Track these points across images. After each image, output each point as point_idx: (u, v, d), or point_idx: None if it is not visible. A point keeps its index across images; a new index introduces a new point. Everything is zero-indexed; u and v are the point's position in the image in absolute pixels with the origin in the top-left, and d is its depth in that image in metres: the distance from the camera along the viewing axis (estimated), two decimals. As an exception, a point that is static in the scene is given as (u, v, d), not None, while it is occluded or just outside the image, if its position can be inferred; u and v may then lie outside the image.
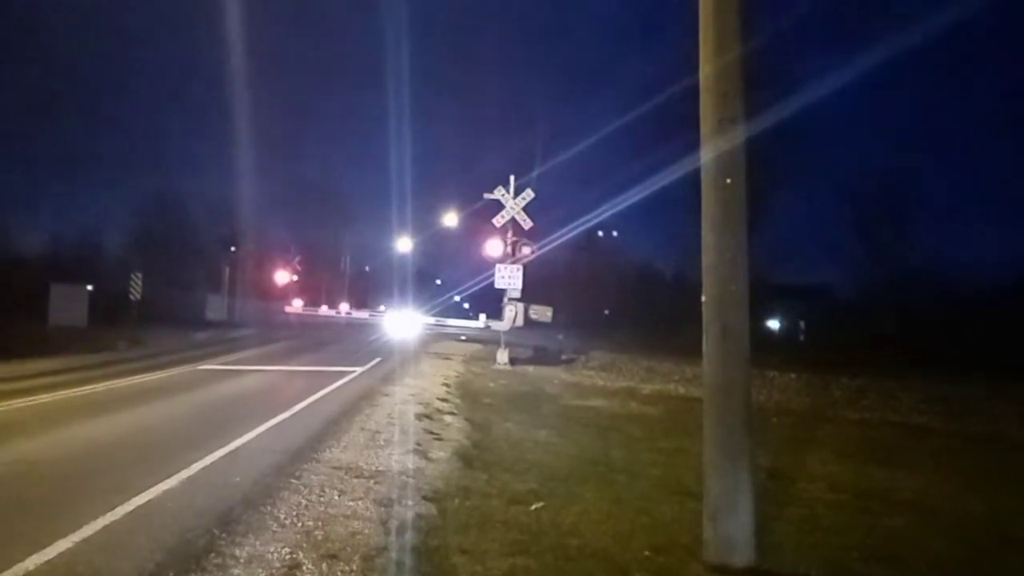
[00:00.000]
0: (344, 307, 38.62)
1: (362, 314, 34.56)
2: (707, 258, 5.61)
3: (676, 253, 49.67)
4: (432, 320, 32.64)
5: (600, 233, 65.86)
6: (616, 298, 58.72)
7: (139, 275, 31.50)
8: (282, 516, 6.17)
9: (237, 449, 8.87)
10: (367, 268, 74.23)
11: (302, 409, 12.38)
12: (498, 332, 26.59)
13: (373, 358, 24.73)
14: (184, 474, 7.47)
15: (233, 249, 61.55)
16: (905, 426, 14.70)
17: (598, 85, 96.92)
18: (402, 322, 42.82)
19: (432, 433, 10.42)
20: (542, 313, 27.38)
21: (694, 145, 5.82)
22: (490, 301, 28.33)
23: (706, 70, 5.68)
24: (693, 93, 5.81)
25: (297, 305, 34.62)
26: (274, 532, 5.76)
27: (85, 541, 5.43)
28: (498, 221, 26.29)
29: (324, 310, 37.15)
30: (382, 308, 38.09)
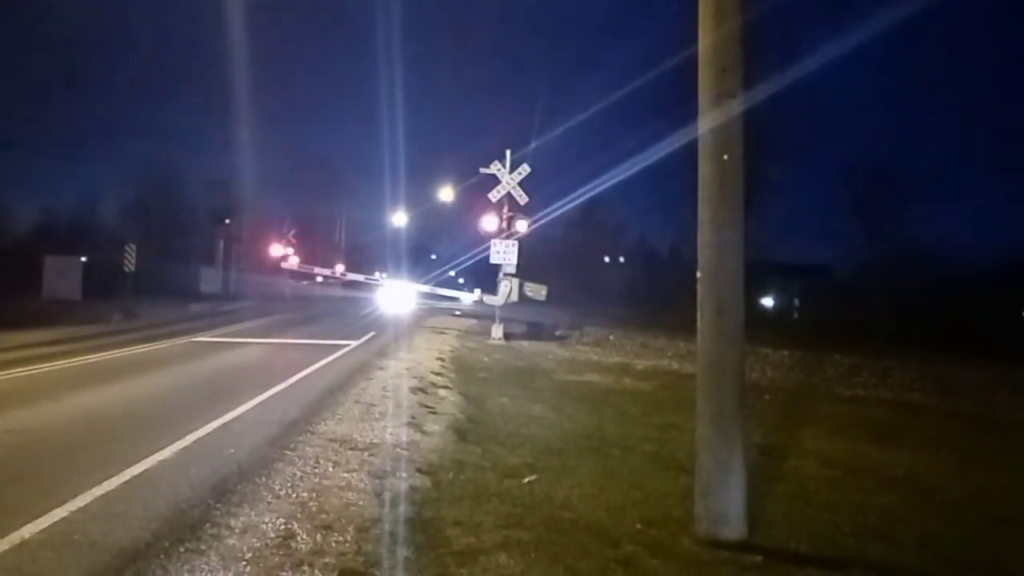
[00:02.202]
0: (340, 268, 37.36)
1: (358, 276, 33.56)
2: (703, 234, 5.60)
3: (672, 229, 49.73)
4: (427, 288, 32.30)
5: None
6: (611, 273, 58.83)
7: (133, 247, 31.34)
8: (277, 487, 6.20)
9: (231, 421, 8.89)
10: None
11: (297, 381, 12.40)
12: (493, 307, 26.60)
13: (367, 332, 24.74)
14: (179, 445, 7.49)
15: (228, 222, 61.33)
16: (898, 404, 14.78)
17: (596, 58, 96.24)
18: (396, 296, 42.79)
19: (427, 407, 10.44)
20: (536, 291, 27.38)
21: (691, 119, 5.79)
22: (484, 276, 28.30)
23: (704, 44, 5.63)
24: (691, 67, 5.77)
25: (293, 262, 33.39)
26: (269, 503, 5.79)
27: (81, 510, 5.45)
28: (494, 196, 26.19)
29: (318, 269, 35.69)
30: (378, 274, 37.06)
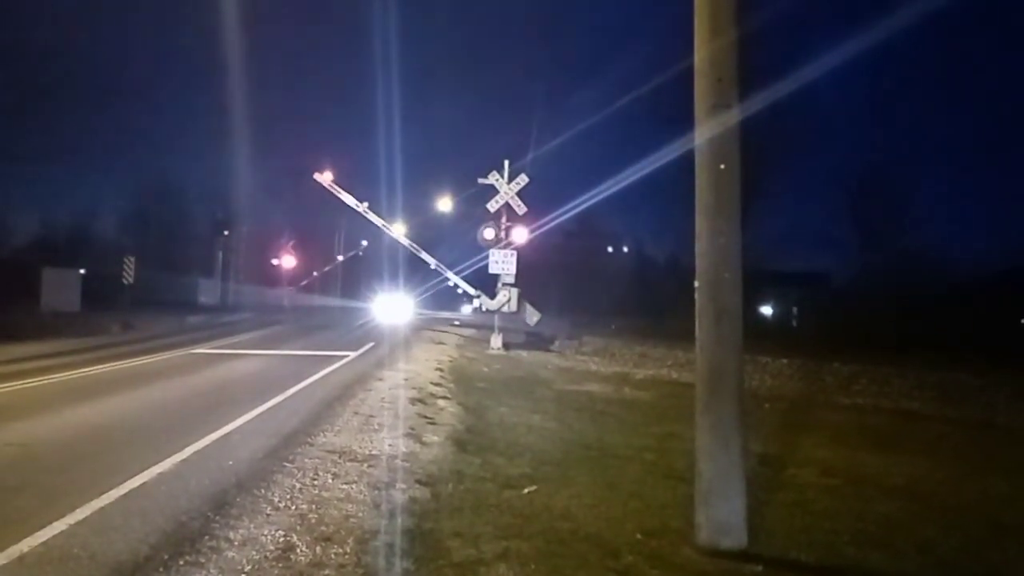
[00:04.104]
0: (367, 204, 32.83)
1: (378, 220, 30.01)
2: (700, 244, 5.62)
3: (670, 238, 49.79)
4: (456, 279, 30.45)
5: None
6: (609, 283, 58.88)
7: (132, 259, 31.38)
8: (276, 499, 6.18)
9: (230, 433, 8.87)
10: (364, 242, 73.49)
11: (295, 393, 12.38)
12: (492, 318, 26.65)
13: (366, 343, 24.74)
14: (178, 457, 7.47)
15: (226, 233, 61.41)
16: (898, 412, 14.79)
17: (595, 69, 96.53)
18: (393, 306, 42.81)
19: (426, 417, 10.43)
20: (531, 314, 27.55)
21: (688, 129, 5.81)
22: (482, 286, 28.30)
23: (701, 55, 5.67)
24: (688, 77, 5.80)
25: (327, 177, 28.48)
26: (268, 515, 5.77)
27: (80, 523, 5.44)
28: (492, 206, 26.25)
29: (348, 197, 29.50)
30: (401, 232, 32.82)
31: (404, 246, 31.18)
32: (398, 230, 31.80)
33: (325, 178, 29.41)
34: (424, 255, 30.18)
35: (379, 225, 30.56)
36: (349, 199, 29.67)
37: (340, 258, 71.69)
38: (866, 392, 17.25)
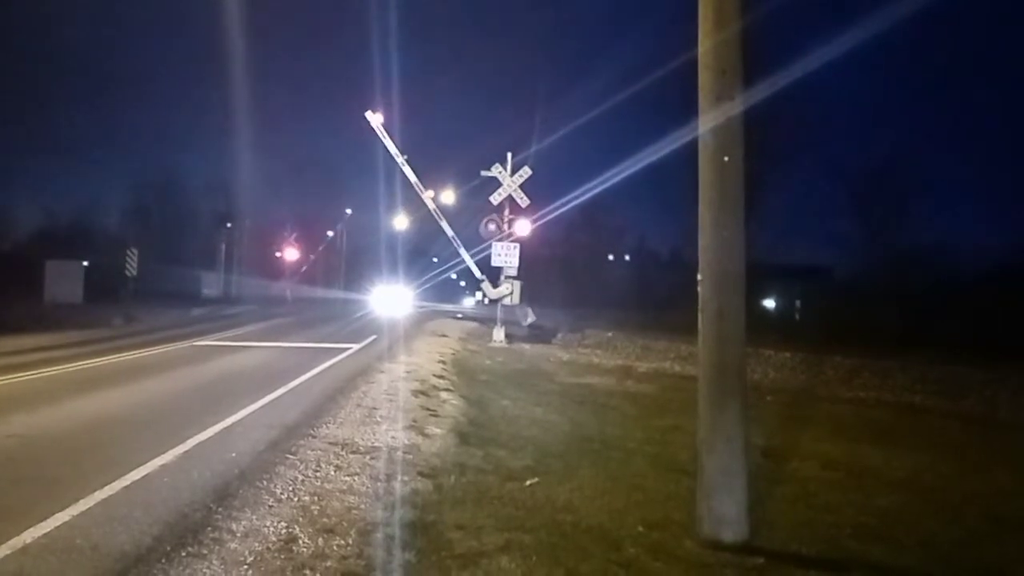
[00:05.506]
0: (407, 156, 29.81)
1: (412, 176, 28.16)
2: (704, 237, 5.60)
3: (673, 230, 49.75)
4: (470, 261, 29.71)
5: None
6: (612, 275, 58.85)
7: (135, 251, 31.38)
8: (278, 491, 6.19)
9: (233, 424, 8.89)
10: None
11: (298, 385, 12.39)
12: (495, 311, 26.67)
13: (369, 335, 24.76)
14: (180, 449, 7.48)
15: (229, 225, 61.50)
16: (900, 406, 14.76)
17: (598, 60, 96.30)
18: (391, 299, 42.83)
19: (428, 410, 10.43)
20: (528, 314, 27.73)
21: (692, 121, 5.79)
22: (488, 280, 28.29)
23: (705, 46, 5.63)
24: (692, 69, 5.77)
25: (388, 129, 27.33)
26: (270, 507, 5.78)
27: (83, 514, 5.45)
28: (495, 198, 26.23)
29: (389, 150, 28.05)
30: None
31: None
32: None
33: (376, 119, 28.80)
34: (444, 224, 29.63)
35: (412, 183, 29.92)
36: (391, 146, 29.13)
37: (330, 234, 71.65)
38: (868, 386, 17.22)
